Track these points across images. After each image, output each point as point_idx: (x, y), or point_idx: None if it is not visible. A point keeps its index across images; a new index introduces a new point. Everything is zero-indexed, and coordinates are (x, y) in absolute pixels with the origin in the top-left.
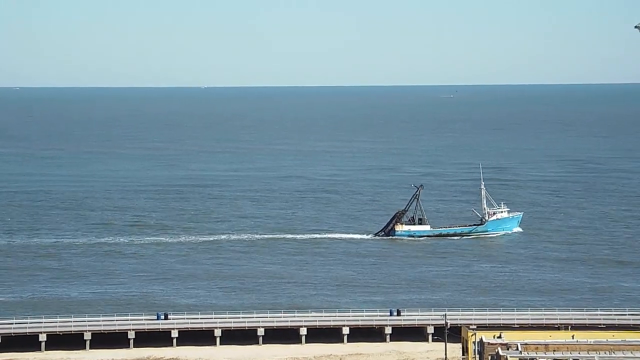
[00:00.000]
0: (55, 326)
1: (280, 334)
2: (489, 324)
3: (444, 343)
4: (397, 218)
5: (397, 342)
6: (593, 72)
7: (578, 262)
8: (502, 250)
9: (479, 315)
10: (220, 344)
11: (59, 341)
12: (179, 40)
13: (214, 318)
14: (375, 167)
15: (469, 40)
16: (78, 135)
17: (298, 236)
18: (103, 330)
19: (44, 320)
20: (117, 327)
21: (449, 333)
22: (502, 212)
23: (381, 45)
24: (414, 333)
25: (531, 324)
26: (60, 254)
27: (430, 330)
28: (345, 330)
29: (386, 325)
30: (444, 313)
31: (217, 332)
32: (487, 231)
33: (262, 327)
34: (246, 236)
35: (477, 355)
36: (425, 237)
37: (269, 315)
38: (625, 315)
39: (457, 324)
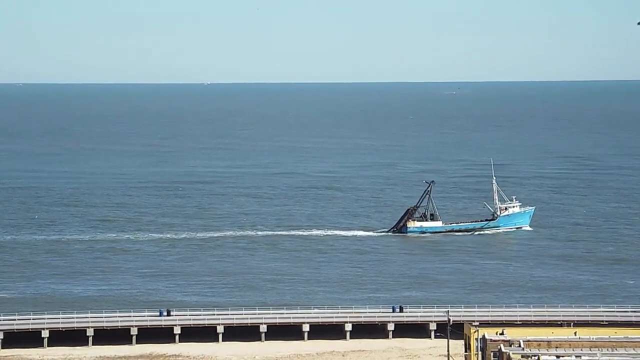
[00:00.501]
0: (58, 322)
1: (283, 331)
2: (491, 321)
3: (446, 340)
4: (409, 214)
5: (399, 339)
6: (595, 69)
7: (582, 260)
8: (509, 247)
9: (482, 312)
10: (223, 341)
11: (61, 337)
12: (181, 36)
13: (217, 314)
14: (377, 164)
15: (472, 38)
16: (79, 131)
17: (302, 233)
18: (105, 327)
19: (46, 316)
20: (119, 324)
21: (452, 330)
22: (514, 207)
23: (384, 42)
24: (417, 330)
25: (534, 321)
26: (62, 250)
27: (433, 326)
28: (348, 327)
29: (389, 322)
30: (446, 310)
31: (220, 329)
32: (499, 226)
33: (265, 323)
34: (249, 233)
35: (480, 352)
36: (437, 233)
37: (271, 311)
38: (627, 312)
39: (459, 321)
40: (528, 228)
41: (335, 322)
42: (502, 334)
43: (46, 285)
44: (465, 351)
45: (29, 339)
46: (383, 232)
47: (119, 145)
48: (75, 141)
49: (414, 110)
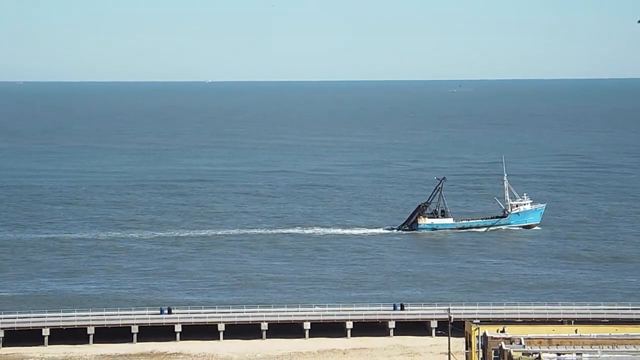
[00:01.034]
0: (59, 321)
1: (284, 329)
2: (492, 319)
3: (447, 337)
4: (420, 211)
5: (400, 337)
6: (596, 68)
7: (584, 258)
8: (513, 245)
9: (483, 310)
10: (224, 339)
11: (62, 336)
12: (182, 34)
13: (218, 312)
14: (377, 162)
15: (473, 36)
16: (79, 130)
17: (304, 231)
18: (106, 325)
19: (47, 314)
20: (120, 322)
21: (453, 327)
22: (525, 204)
23: (385, 40)
24: (418, 327)
25: (534, 319)
26: (62, 248)
27: (434, 324)
28: (349, 325)
29: (390, 320)
30: (447, 307)
31: (221, 327)
32: (510, 224)
33: (266, 321)
34: (250, 231)
35: (481, 350)
36: (448, 230)
37: (272, 309)
38: (628, 309)
39: (460, 319)
40: (538, 226)
41: (336, 320)
42: (503, 331)
43: (47, 283)
44: (466, 349)
45: (29, 337)
46: (393, 229)
47: (120, 143)
48: (74, 139)
49: (415, 108)
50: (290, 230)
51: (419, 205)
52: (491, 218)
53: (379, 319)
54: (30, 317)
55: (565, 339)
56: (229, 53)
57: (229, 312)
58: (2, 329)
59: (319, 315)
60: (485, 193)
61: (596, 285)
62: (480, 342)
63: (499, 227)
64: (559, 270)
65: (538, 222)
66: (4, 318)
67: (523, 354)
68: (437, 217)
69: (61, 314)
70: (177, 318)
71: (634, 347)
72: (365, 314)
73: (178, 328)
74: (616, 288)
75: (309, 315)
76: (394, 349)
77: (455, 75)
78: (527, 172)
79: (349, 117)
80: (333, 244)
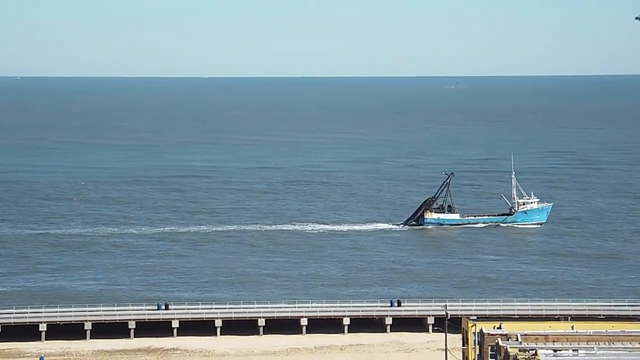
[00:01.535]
0: (56, 316)
1: (281, 325)
2: (489, 315)
3: (444, 334)
4: (427, 205)
5: (397, 333)
6: (596, 64)
7: (584, 255)
8: (514, 242)
9: (479, 306)
10: (221, 335)
11: (59, 331)
12: (180, 29)
13: (215, 308)
14: (372, 158)
15: (470, 32)
16: (74, 125)
17: (304, 227)
18: (103, 320)
19: (44, 310)
20: (117, 317)
21: (449, 324)
22: (532, 202)
23: (382, 37)
24: (415, 324)
25: (531, 315)
26: (59, 244)
27: (431, 320)
28: (346, 321)
29: (386, 316)
30: (444, 304)
31: (218, 323)
32: (516, 221)
33: (263, 317)
34: (247, 227)
35: (477, 346)
36: (454, 226)
37: (269, 305)
38: (624, 306)
39: (457, 315)
40: (543, 222)
41: (334, 316)
42: (499, 328)
43: (44, 279)
44: (463, 345)
45: (26, 332)
46: (392, 224)
47: (115, 139)
48: (69, 135)
49: (411, 105)
50: (287, 227)
51: (426, 200)
52: (498, 215)
53: (376, 315)
54: (27, 313)
55: (562, 335)
56: (227, 49)
57: (226, 308)
58: None
59: (316, 312)
60: (479, 190)
61: (593, 283)
62: (476, 339)
63: (505, 224)
64: (557, 268)
65: (544, 221)
66: (1, 313)
67: (520, 350)
68: (444, 212)
69: (58, 310)
70: (174, 314)
71: (630, 343)
72: (362, 310)
73: (175, 324)
74: (613, 285)
75: (306, 312)
76: (390, 345)
77: (452, 72)
78: (520, 169)
79: (344, 114)
80: (330, 240)
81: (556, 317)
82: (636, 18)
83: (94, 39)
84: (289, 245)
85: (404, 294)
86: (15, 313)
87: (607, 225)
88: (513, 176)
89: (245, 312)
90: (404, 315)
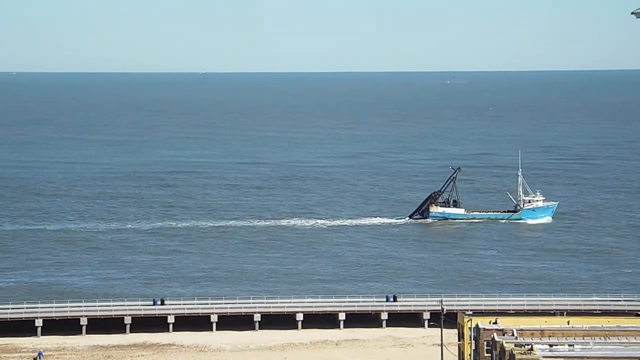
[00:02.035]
0: (52, 311)
1: (277, 320)
2: (484, 310)
3: (439, 329)
4: (432, 199)
5: (393, 328)
6: (595, 59)
7: (586, 251)
8: (514, 238)
9: (475, 301)
10: (217, 330)
11: (55, 326)
12: (176, 24)
13: (211, 304)
14: (366, 154)
15: (468, 27)
16: (68, 121)
17: (298, 223)
18: (99, 316)
19: (40, 305)
20: (113, 313)
21: (445, 319)
22: (537, 200)
23: (380, 33)
24: (410, 319)
25: (527, 310)
26: (55, 240)
27: (427, 316)
28: (342, 316)
29: (382, 311)
30: (440, 299)
31: (214, 318)
32: (521, 219)
33: (259, 313)
34: (243, 223)
35: (473, 341)
36: (459, 221)
37: (265, 301)
38: (620, 301)
39: (453, 310)
40: (549, 220)
41: (329, 311)
42: (495, 323)
43: (39, 274)
44: (459, 340)
45: (22, 327)
46: (405, 217)
47: (111, 135)
48: (65, 131)
49: (406, 100)
50: (283, 222)
51: (431, 194)
52: (503, 212)
53: (371, 311)
54: (23, 308)
55: (558, 330)
56: (224, 44)
57: (222, 304)
58: None
59: (312, 307)
60: (474, 186)
61: (590, 278)
62: (472, 334)
63: (510, 221)
64: (555, 263)
65: (550, 220)
66: None
67: (515, 346)
68: (449, 207)
69: (54, 305)
70: (170, 309)
71: (626, 338)
72: (357, 306)
73: (171, 319)
74: (610, 280)
75: (301, 307)
76: (386, 340)
77: (449, 67)
78: (512, 165)
79: (340, 109)
80: (326, 236)
81: (552, 312)
82: (632, 13)
83: (91, 35)
84: (284, 240)
85: (400, 289)
86: (11, 308)
87: (604, 220)
88: (519, 173)
89: (241, 308)
90: (399, 311)
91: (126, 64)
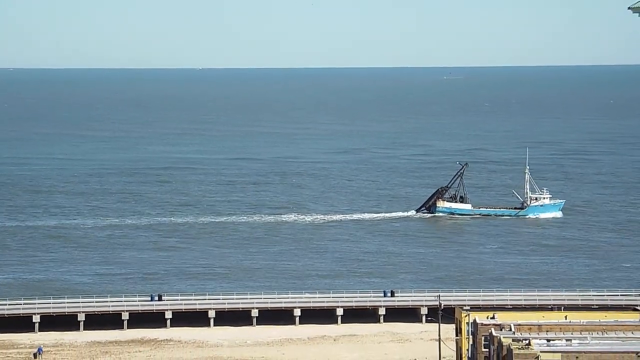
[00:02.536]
0: (49, 307)
1: (274, 315)
2: (482, 305)
3: (437, 324)
4: (439, 194)
5: (390, 323)
6: (596, 55)
7: (584, 247)
8: (515, 234)
9: (473, 296)
10: (214, 325)
11: (52, 322)
12: (174, 20)
13: (208, 299)
14: (350, 150)
15: (465, 23)
16: (64, 117)
17: (296, 218)
18: (97, 312)
19: (37, 301)
20: (110, 309)
21: (443, 314)
22: (544, 198)
23: (377, 27)
24: (408, 314)
25: (524, 305)
26: (52, 236)
27: (424, 311)
28: (339, 312)
29: (380, 306)
30: (437, 294)
31: (211, 314)
32: (528, 215)
33: (256, 308)
34: (241, 219)
35: (471, 336)
36: (466, 216)
37: (262, 296)
38: (617, 295)
39: (450, 305)
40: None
41: (327, 306)
42: (493, 318)
43: (37, 270)
44: (456, 335)
45: (19, 324)
46: (413, 210)
47: (107, 131)
48: (62, 127)
49: (402, 95)
50: (280, 218)
51: (438, 189)
52: (510, 208)
53: (369, 306)
54: (20, 304)
55: (555, 325)
56: (222, 40)
57: (219, 299)
58: None
59: (310, 302)
60: (471, 182)
61: (588, 273)
62: (470, 329)
63: (516, 218)
64: (554, 258)
65: (558, 215)
66: None
67: (513, 340)
68: (456, 202)
69: (52, 301)
70: (167, 305)
71: (624, 333)
72: (355, 301)
73: (168, 315)
74: (608, 275)
75: (299, 302)
76: (384, 336)
77: (446, 63)
78: (502, 160)
79: (336, 106)
80: (325, 231)
81: (549, 307)
82: (629, 8)
83: (89, 32)
84: (281, 236)
85: (397, 285)
86: (9, 304)
87: (603, 216)
88: (527, 170)
89: (238, 303)
90: (397, 306)
91: (125, 61)
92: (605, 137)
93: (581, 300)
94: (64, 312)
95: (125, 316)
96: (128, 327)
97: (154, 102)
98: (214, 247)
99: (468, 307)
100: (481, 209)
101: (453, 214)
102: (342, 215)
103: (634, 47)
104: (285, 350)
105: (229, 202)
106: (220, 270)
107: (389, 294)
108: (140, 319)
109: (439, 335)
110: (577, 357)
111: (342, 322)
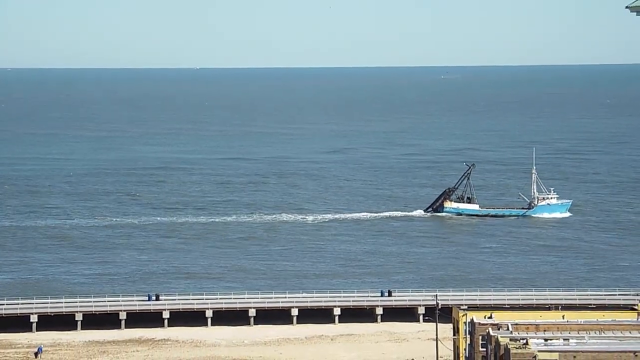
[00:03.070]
0: (47, 307)
1: (272, 315)
2: (479, 305)
3: (434, 323)
4: (446, 194)
5: (388, 323)
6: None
7: (584, 247)
8: (515, 235)
9: (470, 296)
10: (212, 325)
11: (50, 322)
12: (172, 19)
13: (206, 299)
14: (343, 149)
15: (464, 22)
16: (60, 117)
17: (305, 216)
18: (94, 311)
19: (35, 301)
20: (108, 308)
21: (440, 313)
22: (551, 198)
23: (375, 27)
24: (405, 313)
25: (522, 305)
26: (50, 236)
27: (422, 310)
28: (337, 311)
29: (377, 306)
30: (434, 294)
31: (209, 313)
32: (535, 214)
33: (254, 307)
34: (239, 219)
35: (468, 336)
36: (473, 216)
37: (260, 296)
38: (615, 295)
39: (448, 305)
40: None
41: (324, 306)
42: (490, 317)
43: (34, 270)
44: (454, 335)
45: (17, 323)
46: (423, 209)
47: (103, 131)
48: (60, 126)
49: (399, 94)
50: (278, 218)
51: (445, 190)
52: (517, 208)
53: (366, 305)
54: (18, 304)
55: (553, 324)
56: (220, 40)
57: (217, 299)
58: None
59: (307, 302)
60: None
61: (586, 272)
62: (467, 328)
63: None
64: (553, 258)
65: (566, 215)
66: None
67: (510, 340)
68: (463, 202)
69: (49, 301)
70: (165, 305)
71: (621, 332)
72: (353, 300)
73: (166, 314)
74: (605, 275)
75: (296, 302)
76: (381, 335)
77: (443, 62)
78: (495, 159)
79: (332, 105)
80: (322, 231)
81: (547, 306)
82: (626, 7)
83: (85, 31)
84: (278, 236)
85: (395, 284)
86: (7, 304)
87: (603, 215)
88: (534, 171)
89: (236, 303)
90: (394, 305)
91: (123, 60)
92: (600, 137)
93: (579, 299)
94: (62, 312)
95: (122, 316)
96: (125, 327)
97: (150, 101)
98: (210, 247)
99: (465, 307)
100: (489, 209)
101: (460, 214)
102: (339, 215)
103: (634, 46)
104: (282, 350)
105: (226, 202)
106: (217, 270)
107: (387, 294)
108: (138, 319)
109: (437, 335)
110: (574, 357)
111: (339, 322)
